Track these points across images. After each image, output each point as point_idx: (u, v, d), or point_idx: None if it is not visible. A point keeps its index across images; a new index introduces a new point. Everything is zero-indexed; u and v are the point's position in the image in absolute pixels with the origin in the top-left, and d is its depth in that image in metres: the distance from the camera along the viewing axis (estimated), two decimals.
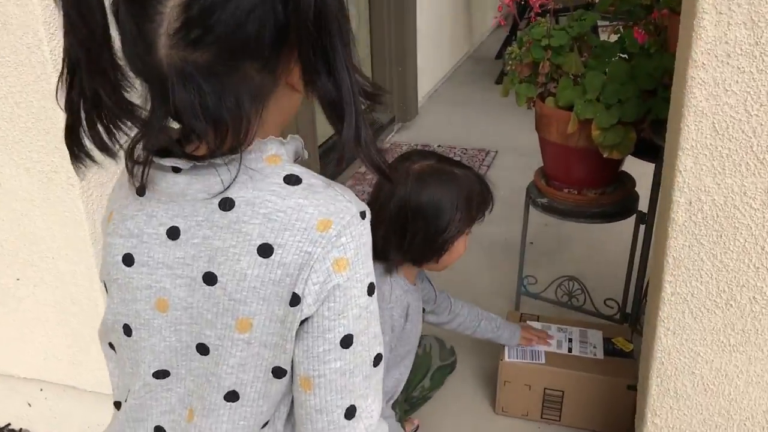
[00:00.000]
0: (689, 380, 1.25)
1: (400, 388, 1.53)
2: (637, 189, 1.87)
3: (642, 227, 1.83)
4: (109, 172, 1.39)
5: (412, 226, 1.31)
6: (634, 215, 1.83)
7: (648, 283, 1.72)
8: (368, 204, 0.71)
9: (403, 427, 1.67)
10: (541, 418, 1.75)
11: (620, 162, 1.78)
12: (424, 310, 1.54)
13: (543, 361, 1.69)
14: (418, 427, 1.74)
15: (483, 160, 3.35)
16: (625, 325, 1.93)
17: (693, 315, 1.21)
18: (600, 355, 1.71)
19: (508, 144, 3.47)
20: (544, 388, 1.71)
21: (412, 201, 1.30)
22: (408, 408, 1.67)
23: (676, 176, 1.13)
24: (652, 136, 1.60)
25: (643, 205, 1.83)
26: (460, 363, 1.83)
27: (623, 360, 1.70)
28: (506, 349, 1.72)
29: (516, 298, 2.09)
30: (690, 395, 1.26)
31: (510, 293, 2.17)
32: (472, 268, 2.40)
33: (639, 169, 1.85)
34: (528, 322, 1.83)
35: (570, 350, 1.73)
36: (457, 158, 3.44)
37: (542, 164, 1.91)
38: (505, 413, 1.77)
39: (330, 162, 2.94)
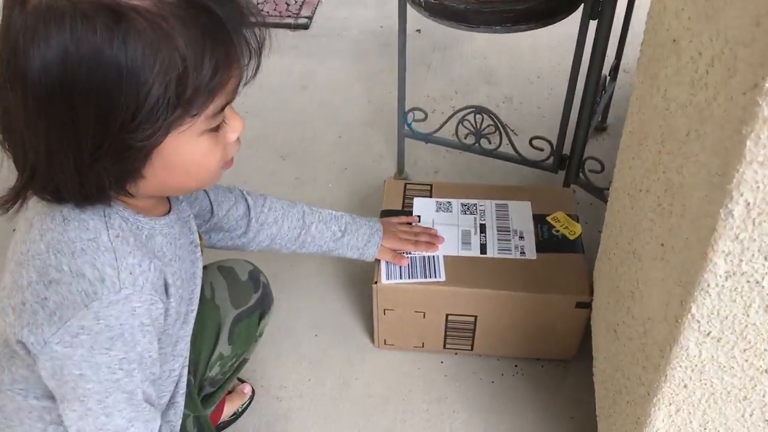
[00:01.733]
0: (735, 409, 0.62)
1: (183, 384, 0.81)
2: None
3: (593, 24, 1.09)
4: None
5: (46, 116, 0.54)
6: (581, 6, 1.07)
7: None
8: None
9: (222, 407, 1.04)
10: (444, 348, 1.14)
11: None
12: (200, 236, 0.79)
13: (442, 278, 1.03)
14: (253, 393, 1.10)
15: None
16: (564, 186, 1.26)
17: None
18: (531, 252, 1.06)
19: None
20: (446, 315, 1.07)
21: (31, 65, 0.52)
22: (211, 392, 0.98)
23: None
24: None
25: None
26: (307, 280, 1.13)
27: (568, 258, 1.05)
28: (382, 264, 1.04)
29: (398, 146, 1.36)
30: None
31: (390, 126, 1.44)
32: (332, 77, 1.63)
33: None
34: (416, 199, 1.14)
35: (483, 249, 1.07)
36: None
37: None
38: (390, 346, 1.15)
39: None
